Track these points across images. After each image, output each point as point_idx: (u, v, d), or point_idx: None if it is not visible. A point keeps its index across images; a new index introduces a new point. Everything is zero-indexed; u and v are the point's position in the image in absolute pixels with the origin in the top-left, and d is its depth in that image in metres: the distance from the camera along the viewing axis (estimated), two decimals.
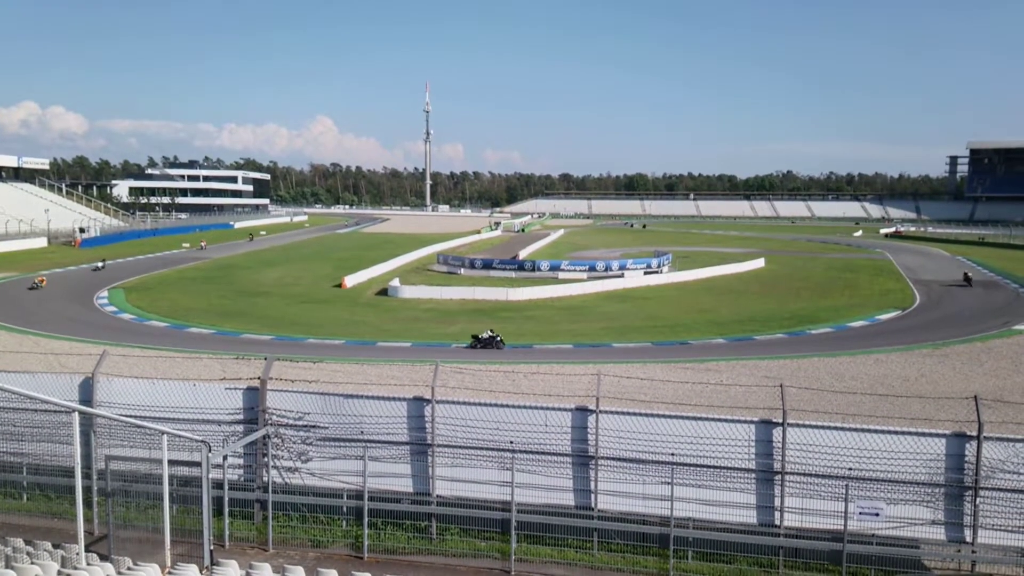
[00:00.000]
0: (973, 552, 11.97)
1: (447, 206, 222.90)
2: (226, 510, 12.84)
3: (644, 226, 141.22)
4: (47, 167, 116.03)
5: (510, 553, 12.40)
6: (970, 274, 53.52)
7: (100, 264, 57.41)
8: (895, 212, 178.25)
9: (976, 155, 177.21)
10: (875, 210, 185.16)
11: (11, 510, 13.82)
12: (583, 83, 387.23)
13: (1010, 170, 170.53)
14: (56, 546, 9.91)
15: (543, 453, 12.96)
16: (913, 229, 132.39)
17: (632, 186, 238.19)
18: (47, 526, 12.88)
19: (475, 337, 31.25)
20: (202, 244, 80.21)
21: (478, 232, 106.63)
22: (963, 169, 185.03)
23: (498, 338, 30.99)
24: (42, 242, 76.16)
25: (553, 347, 32.02)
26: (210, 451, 11.42)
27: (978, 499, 11.85)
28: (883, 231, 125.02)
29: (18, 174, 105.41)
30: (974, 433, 11.88)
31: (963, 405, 13.14)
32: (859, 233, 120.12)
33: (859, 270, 63.32)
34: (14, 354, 26.08)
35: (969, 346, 30.92)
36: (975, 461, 11.84)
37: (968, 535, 12.00)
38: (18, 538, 10.31)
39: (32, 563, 7.64)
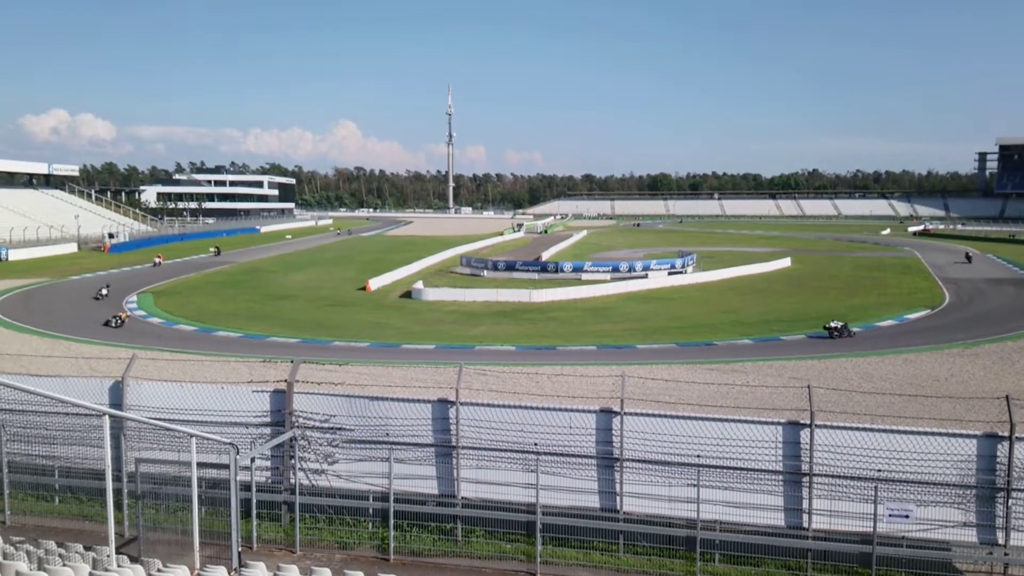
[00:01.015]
0: (1006, 555, 11.78)
1: (470, 208, 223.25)
2: (254, 512, 12.96)
3: (680, 221, 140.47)
4: (77, 174, 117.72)
5: (535, 555, 12.39)
6: (970, 253, 58.41)
7: (104, 291, 45.31)
8: (923, 210, 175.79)
9: (1006, 151, 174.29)
10: (903, 208, 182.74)
11: (44, 513, 14.04)
12: (605, 83, 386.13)
13: None
14: (88, 548, 10.05)
15: (568, 455, 12.94)
16: (942, 227, 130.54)
17: (655, 186, 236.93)
18: (79, 528, 13.07)
19: None
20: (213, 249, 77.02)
21: (501, 234, 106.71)
22: (992, 166, 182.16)
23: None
24: (72, 248, 77.31)
25: (577, 349, 31.96)
26: (238, 453, 11.52)
27: (1010, 501, 11.66)
28: (911, 229, 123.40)
29: (49, 181, 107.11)
30: (1006, 434, 11.68)
31: (994, 405, 12.92)
32: (887, 231, 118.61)
33: (887, 269, 62.57)
34: (45, 358, 26.51)
35: (1000, 345, 30.45)
36: (1007, 462, 11.65)
37: (1000, 537, 11.81)
38: (50, 540, 10.47)
39: (64, 565, 7.75)
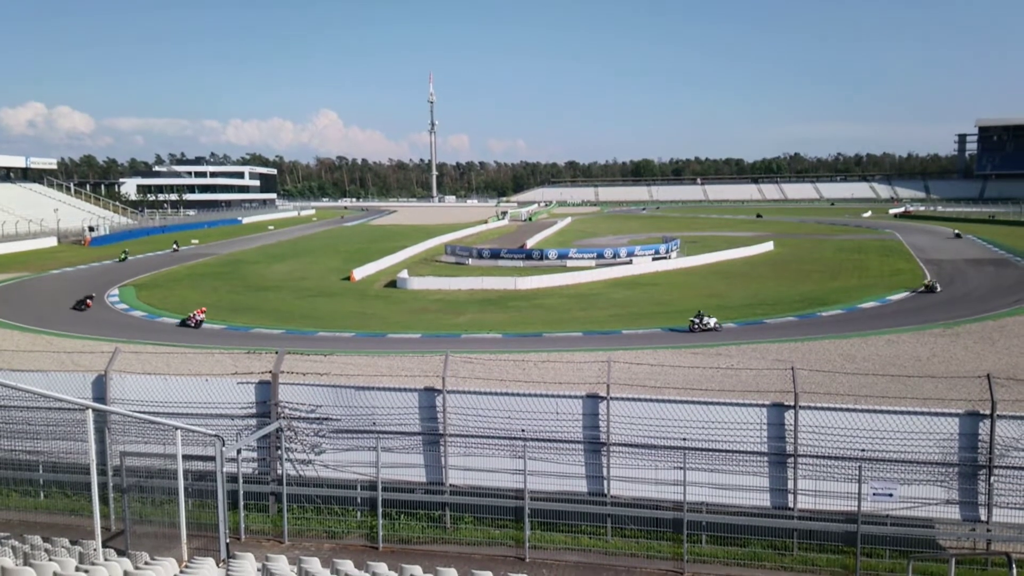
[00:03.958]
0: (988, 531, 11.96)
1: (454, 197, 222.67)
2: (241, 503, 12.94)
3: (657, 208, 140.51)
4: (55, 167, 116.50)
5: (524, 540, 12.45)
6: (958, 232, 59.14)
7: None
8: (904, 192, 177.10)
9: (985, 132, 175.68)
10: (884, 190, 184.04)
11: (29, 508, 13.95)
12: (587, 70, 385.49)
13: (1019, 147, 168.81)
14: (74, 543, 9.98)
15: (555, 441, 12.99)
16: (923, 208, 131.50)
17: (639, 172, 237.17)
18: (64, 523, 12.99)
19: None
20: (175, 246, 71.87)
21: (485, 222, 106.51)
22: (972, 147, 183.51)
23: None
24: (52, 242, 76.53)
25: (563, 335, 32.01)
26: (224, 445, 11.47)
27: (992, 478, 11.82)
28: (892, 211, 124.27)
29: (26, 174, 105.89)
30: (987, 412, 11.84)
31: (976, 384, 13.07)
32: (868, 214, 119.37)
33: (869, 251, 63.03)
34: (28, 353, 26.28)
35: (981, 325, 30.79)
36: (989, 440, 11.81)
37: (983, 514, 11.98)
38: (36, 535, 10.39)
39: (50, 560, 7.70)
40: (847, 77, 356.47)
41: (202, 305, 37.11)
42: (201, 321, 34.51)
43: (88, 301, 39.56)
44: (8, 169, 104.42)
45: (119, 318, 37.55)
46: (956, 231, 62.97)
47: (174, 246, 71.68)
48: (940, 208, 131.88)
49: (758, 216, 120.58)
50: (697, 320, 31.37)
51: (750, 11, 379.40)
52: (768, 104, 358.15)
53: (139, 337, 31.32)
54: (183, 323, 34.82)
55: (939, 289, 39.54)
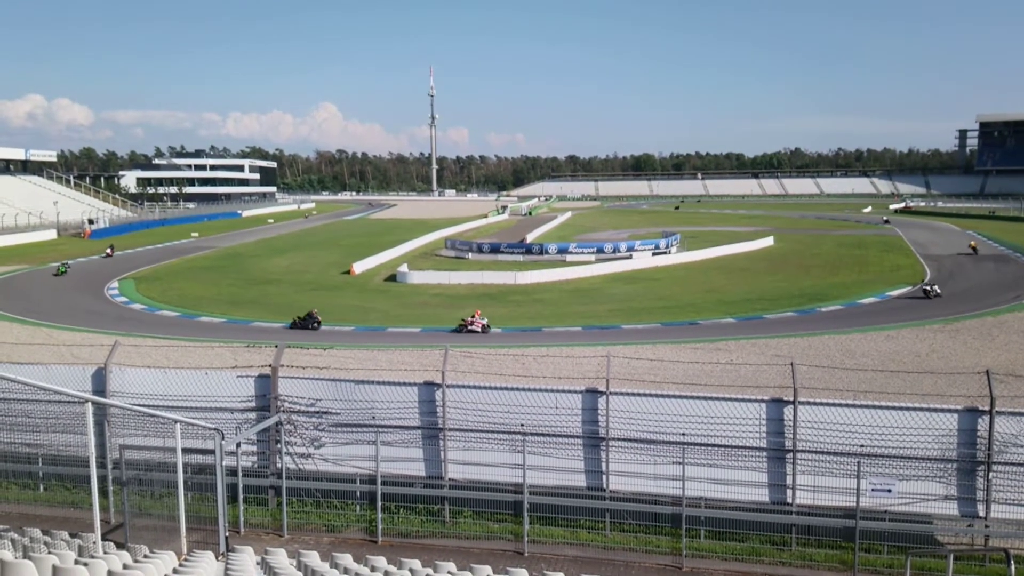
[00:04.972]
0: (987, 527, 11.97)
1: (453, 191, 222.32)
2: (240, 497, 12.96)
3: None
4: (55, 159, 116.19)
5: (523, 535, 12.47)
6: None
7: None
8: (904, 187, 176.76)
9: (986, 128, 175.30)
10: (884, 186, 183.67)
11: (28, 500, 13.97)
12: (588, 64, 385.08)
13: (1020, 143, 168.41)
14: (73, 535, 9.99)
15: (554, 435, 13.00)
16: (923, 204, 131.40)
17: (639, 166, 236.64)
18: (64, 516, 13.02)
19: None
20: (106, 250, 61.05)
21: (485, 216, 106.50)
22: (973, 143, 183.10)
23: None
24: (51, 234, 76.41)
25: (562, 330, 32.01)
26: (223, 439, 11.48)
27: (991, 474, 11.83)
28: (892, 207, 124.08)
29: (26, 167, 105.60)
30: (986, 408, 11.84)
31: (975, 380, 13.09)
32: (868, 209, 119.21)
33: (869, 246, 63.01)
34: (27, 346, 26.26)
35: (980, 321, 30.78)
36: (988, 436, 11.81)
37: (981, 510, 12.00)
38: (35, 528, 10.41)
39: (50, 552, 7.70)
40: (848, 72, 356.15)
41: (208, 297, 37.04)
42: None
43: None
44: (8, 161, 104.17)
45: (119, 311, 37.55)
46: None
47: (108, 251, 60.27)
48: (940, 204, 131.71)
49: (676, 208, 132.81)
50: None
51: (752, 5, 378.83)
52: (769, 99, 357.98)
53: (139, 330, 31.32)
54: (460, 328, 31.46)
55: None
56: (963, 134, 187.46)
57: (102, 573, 6.58)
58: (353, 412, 13.59)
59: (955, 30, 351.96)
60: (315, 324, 31.83)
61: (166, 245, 70.03)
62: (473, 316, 31.66)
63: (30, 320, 33.71)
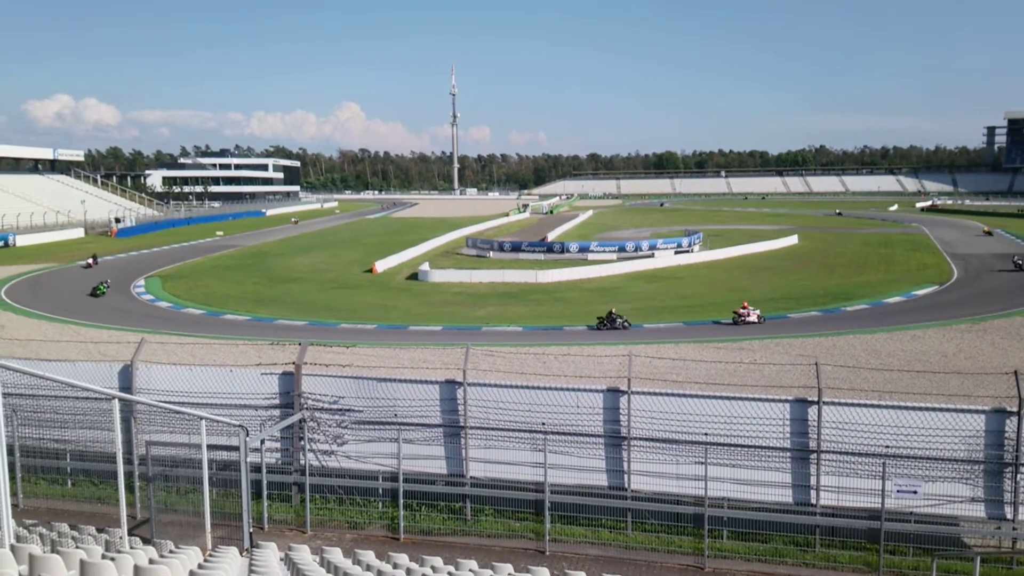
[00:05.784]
0: (1014, 529, 11.80)
1: (475, 189, 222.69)
2: (264, 493, 13.06)
3: (662, 204, 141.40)
4: (82, 158, 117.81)
5: (544, 533, 12.46)
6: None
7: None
8: (931, 185, 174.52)
9: (1014, 125, 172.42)
10: (911, 183, 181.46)
11: (57, 496, 14.16)
12: (609, 62, 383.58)
13: None
14: (100, 530, 10.11)
15: (575, 434, 12.97)
16: (950, 202, 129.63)
17: (661, 164, 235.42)
18: (91, 511, 13.18)
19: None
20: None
21: (506, 215, 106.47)
22: (1001, 140, 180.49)
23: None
24: (79, 233, 77.47)
25: (583, 328, 31.95)
26: (248, 435, 11.57)
27: (1019, 476, 11.65)
28: (919, 205, 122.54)
29: (54, 166, 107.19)
30: (1015, 409, 11.66)
31: (1003, 380, 12.88)
32: (894, 207, 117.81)
33: (895, 245, 62.29)
34: (55, 343, 26.65)
35: (1008, 321, 30.34)
36: (1016, 437, 11.63)
37: (1008, 512, 11.82)
38: (63, 523, 10.56)
39: (77, 547, 7.81)
40: (874, 68, 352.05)
41: (232, 295, 37.37)
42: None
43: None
44: (36, 161, 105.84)
45: (145, 308, 37.99)
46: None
47: (90, 261, 53.84)
48: (968, 202, 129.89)
49: (661, 204, 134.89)
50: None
51: (777, 4, 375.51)
52: (793, 96, 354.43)
53: (165, 328, 31.68)
54: (736, 321, 31.44)
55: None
56: (991, 131, 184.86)
57: (128, 568, 6.65)
58: (375, 410, 13.64)
59: (983, 26, 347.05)
60: (625, 324, 31.16)
61: (191, 244, 70.79)
62: (745, 306, 31.91)
63: (58, 317, 34.22)
